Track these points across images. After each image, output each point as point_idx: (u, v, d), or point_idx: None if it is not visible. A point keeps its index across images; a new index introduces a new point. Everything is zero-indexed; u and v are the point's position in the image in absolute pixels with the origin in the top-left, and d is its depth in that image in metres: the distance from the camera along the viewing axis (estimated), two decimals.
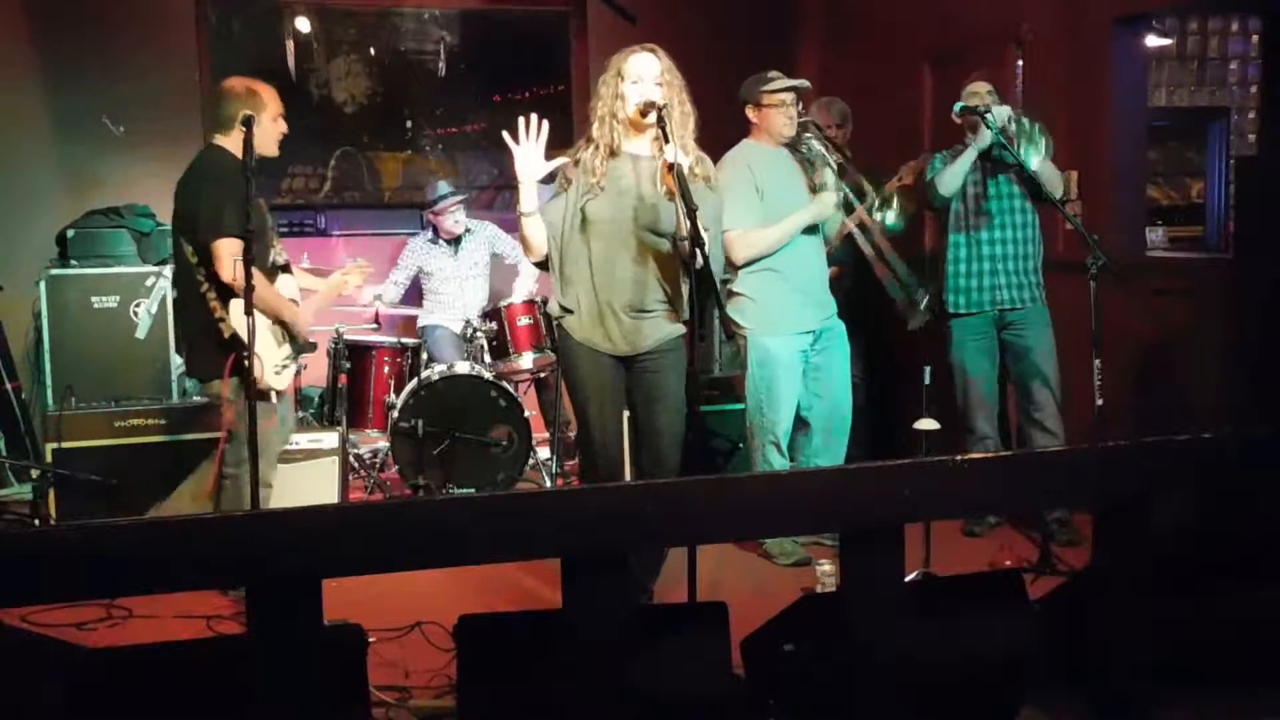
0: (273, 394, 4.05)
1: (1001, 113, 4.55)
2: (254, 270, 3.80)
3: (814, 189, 4.58)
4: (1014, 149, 4.52)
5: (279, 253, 4.20)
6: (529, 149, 3.50)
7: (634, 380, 3.70)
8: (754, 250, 4.45)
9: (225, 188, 3.84)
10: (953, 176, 4.65)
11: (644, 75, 3.58)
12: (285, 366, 4.09)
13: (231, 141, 3.98)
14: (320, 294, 4.38)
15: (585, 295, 3.65)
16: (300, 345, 4.19)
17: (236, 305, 3.88)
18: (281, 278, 4.18)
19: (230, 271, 3.81)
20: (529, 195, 3.54)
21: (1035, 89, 5.42)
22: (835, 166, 4.57)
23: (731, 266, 4.50)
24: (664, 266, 3.65)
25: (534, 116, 3.51)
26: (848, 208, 4.75)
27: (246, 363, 3.68)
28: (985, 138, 4.56)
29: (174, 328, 5.32)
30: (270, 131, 4.02)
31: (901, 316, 4.98)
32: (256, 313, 3.81)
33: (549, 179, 3.61)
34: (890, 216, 4.72)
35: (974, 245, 4.73)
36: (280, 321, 4.08)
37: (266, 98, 4.01)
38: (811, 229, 4.55)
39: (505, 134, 3.52)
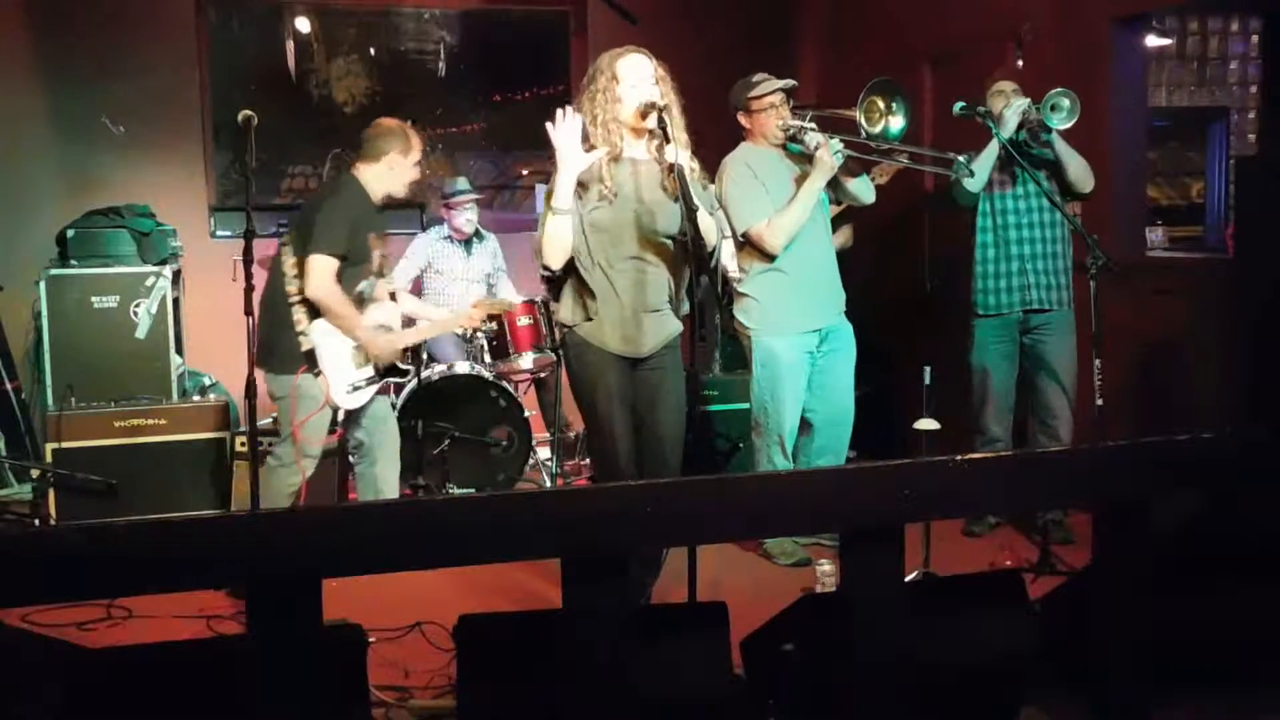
0: (340, 412, 4.20)
1: (1020, 104, 4.52)
2: (337, 288, 4.06)
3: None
4: (1037, 144, 4.47)
5: (372, 285, 4.31)
6: (570, 139, 3.42)
7: (638, 381, 3.69)
8: (786, 231, 4.40)
9: (341, 209, 4.07)
10: (979, 172, 4.57)
11: (640, 77, 3.55)
12: (359, 388, 4.18)
13: (371, 173, 4.19)
14: (429, 325, 4.50)
15: (603, 299, 3.60)
16: (387, 370, 4.28)
17: (319, 323, 4.08)
18: (378, 305, 4.32)
19: (314, 287, 4.01)
20: (567, 190, 3.46)
21: (1035, 89, 5.41)
22: (814, 125, 4.45)
23: (766, 258, 4.47)
24: (668, 267, 3.65)
25: (568, 109, 3.44)
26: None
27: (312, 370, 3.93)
28: (1009, 127, 4.51)
29: (174, 327, 5.39)
30: (408, 175, 4.25)
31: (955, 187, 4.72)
32: (339, 331, 4.10)
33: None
34: (894, 123, 4.49)
35: (1002, 245, 4.67)
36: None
37: (415, 141, 4.25)
38: (818, 228, 4.53)
39: (549, 125, 3.42)
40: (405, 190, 4.29)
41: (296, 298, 4.07)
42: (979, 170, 4.56)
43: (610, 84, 3.56)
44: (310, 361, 4.06)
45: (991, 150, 4.57)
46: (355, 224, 4.09)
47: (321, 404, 4.10)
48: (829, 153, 4.33)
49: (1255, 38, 7.43)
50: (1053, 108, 4.48)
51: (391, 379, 4.36)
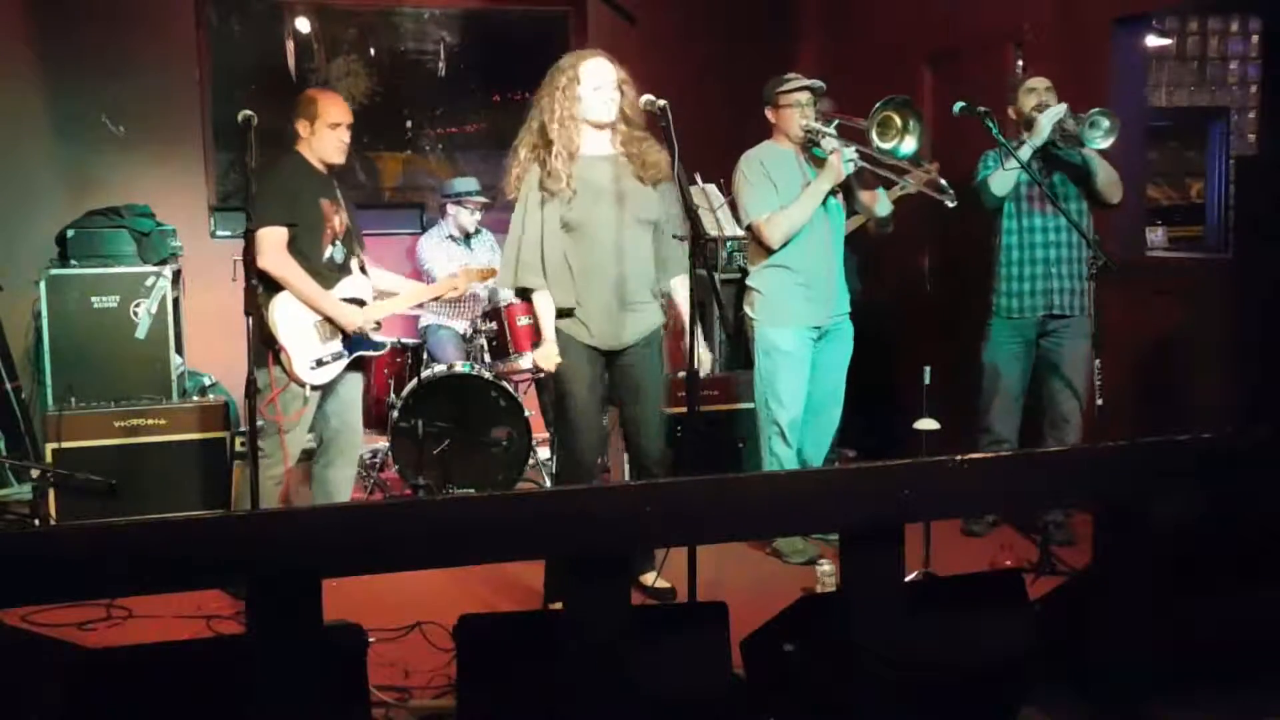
0: (308, 387, 4.11)
1: (1056, 111, 4.46)
2: (289, 259, 4.01)
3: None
4: (1069, 145, 4.43)
5: (342, 251, 4.23)
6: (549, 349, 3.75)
7: (617, 374, 3.79)
8: (786, 227, 4.43)
9: (274, 181, 4.04)
10: (1007, 176, 4.54)
11: (604, 81, 3.68)
12: (325, 363, 4.13)
13: (300, 146, 4.17)
14: (405, 295, 4.46)
15: (583, 294, 3.73)
16: (356, 343, 4.22)
17: (276, 300, 4.03)
18: (351, 278, 4.24)
19: (264, 260, 3.95)
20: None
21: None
22: (834, 131, 4.48)
23: (768, 252, 4.50)
24: (646, 259, 3.77)
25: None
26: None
27: (274, 356, 3.86)
28: (1042, 134, 4.45)
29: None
30: (328, 139, 4.16)
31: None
32: (300, 305, 4.07)
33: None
34: (906, 144, 4.45)
35: (1028, 248, 4.63)
36: (326, 316, 4.14)
37: (324, 105, 4.16)
38: (828, 231, 4.54)
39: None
40: (337, 155, 4.18)
41: (256, 280, 3.96)
42: (1005, 184, 4.55)
43: (571, 84, 3.68)
44: (269, 341, 3.99)
45: (1013, 173, 4.51)
46: (295, 192, 4.04)
47: (286, 381, 4.04)
48: (840, 159, 4.38)
49: (1255, 38, 7.43)
50: (1091, 124, 4.40)
51: (365, 352, 4.30)
